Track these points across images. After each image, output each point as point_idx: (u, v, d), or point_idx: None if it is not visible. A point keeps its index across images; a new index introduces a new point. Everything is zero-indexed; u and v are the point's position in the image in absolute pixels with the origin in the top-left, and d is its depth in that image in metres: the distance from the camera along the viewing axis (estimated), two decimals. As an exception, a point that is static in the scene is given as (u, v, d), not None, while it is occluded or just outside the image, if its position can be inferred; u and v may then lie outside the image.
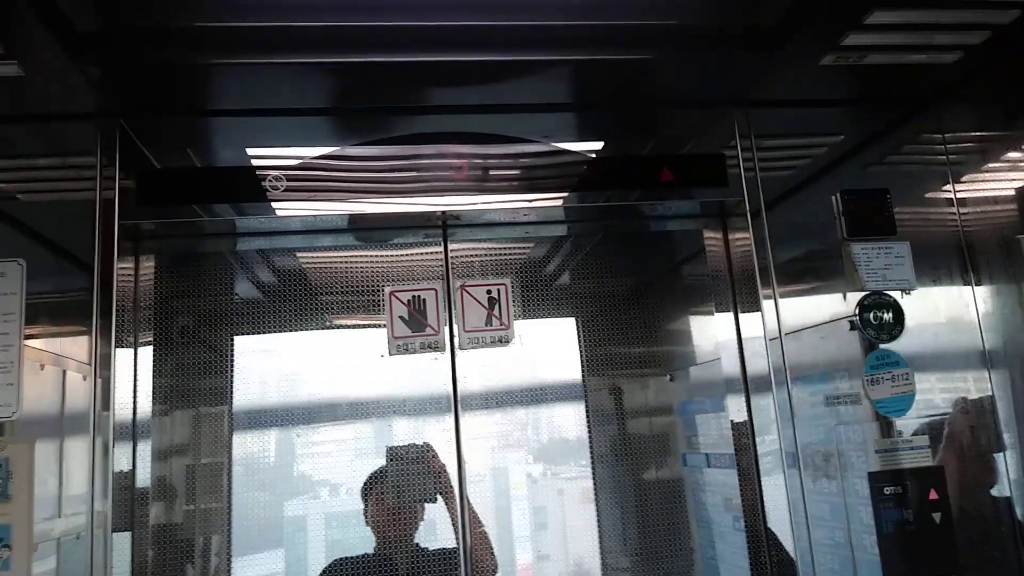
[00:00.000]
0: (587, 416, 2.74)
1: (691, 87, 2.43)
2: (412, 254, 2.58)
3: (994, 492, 2.44)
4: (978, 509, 2.41)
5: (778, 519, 2.37)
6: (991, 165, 2.61)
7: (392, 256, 2.59)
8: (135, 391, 2.31)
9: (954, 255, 2.55)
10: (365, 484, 2.47)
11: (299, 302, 2.55)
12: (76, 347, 2.13)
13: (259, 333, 2.56)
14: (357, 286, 2.54)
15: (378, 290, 2.47)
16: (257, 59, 2.01)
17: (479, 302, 2.49)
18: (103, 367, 2.10)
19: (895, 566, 2.27)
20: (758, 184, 2.48)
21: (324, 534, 2.48)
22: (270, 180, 2.28)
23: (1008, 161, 2.59)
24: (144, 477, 2.30)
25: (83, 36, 1.91)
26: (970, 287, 2.53)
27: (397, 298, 2.45)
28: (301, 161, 2.32)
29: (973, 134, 2.65)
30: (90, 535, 2.01)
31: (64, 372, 2.15)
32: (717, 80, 2.40)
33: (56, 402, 2.13)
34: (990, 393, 2.48)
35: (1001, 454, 2.44)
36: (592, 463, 2.72)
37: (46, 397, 2.10)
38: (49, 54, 1.92)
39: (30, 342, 2.06)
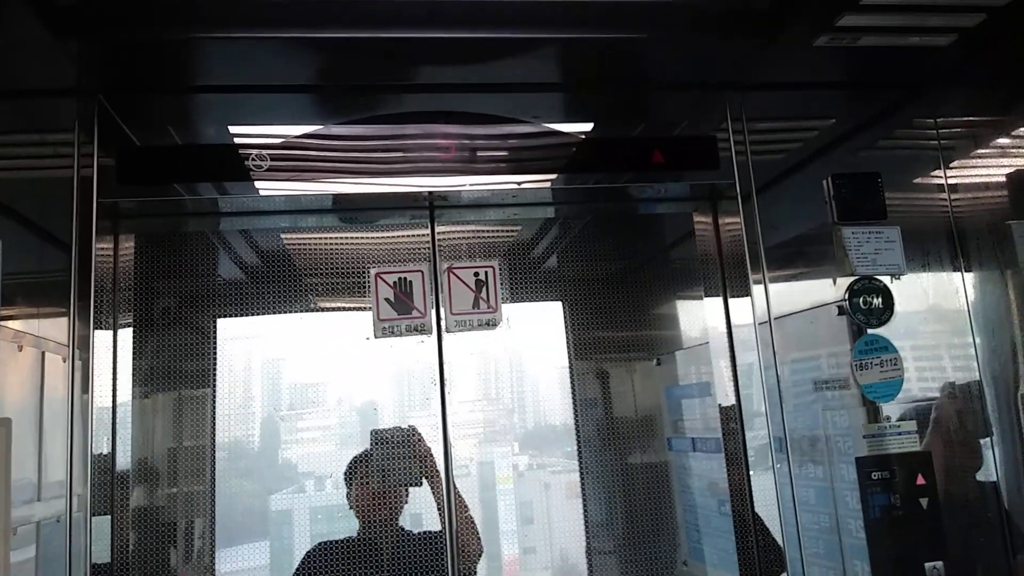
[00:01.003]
0: (573, 399, 2.72)
1: (683, 68, 2.41)
2: (398, 235, 2.55)
3: (980, 477, 2.44)
4: (964, 494, 2.42)
5: (765, 504, 2.37)
6: (983, 151, 2.60)
7: (378, 237, 2.56)
8: (115, 373, 2.28)
9: (944, 240, 2.54)
10: (349, 467, 2.45)
11: (283, 284, 2.52)
12: (55, 328, 2.09)
13: (242, 315, 2.53)
14: (342, 268, 2.51)
15: (364, 272, 2.44)
16: (240, 34, 1.97)
17: (466, 284, 2.46)
18: (81, 349, 2.08)
19: (882, 551, 2.27)
20: (749, 167, 2.46)
21: (308, 522, 2.46)
22: (253, 159, 2.24)
23: (1000, 147, 2.59)
24: (124, 460, 2.27)
25: (63, 9, 1.86)
26: (960, 272, 2.53)
27: (383, 280, 2.42)
28: (285, 140, 2.28)
29: (965, 119, 2.65)
30: (68, 519, 1.99)
31: (43, 354, 2.11)
32: (709, 61, 2.37)
33: (35, 384, 2.09)
34: (977, 378, 2.48)
35: (988, 439, 2.45)
36: (578, 446, 2.71)
37: (25, 379, 2.07)
38: (27, 27, 1.87)
39: (8, 323, 2.02)
